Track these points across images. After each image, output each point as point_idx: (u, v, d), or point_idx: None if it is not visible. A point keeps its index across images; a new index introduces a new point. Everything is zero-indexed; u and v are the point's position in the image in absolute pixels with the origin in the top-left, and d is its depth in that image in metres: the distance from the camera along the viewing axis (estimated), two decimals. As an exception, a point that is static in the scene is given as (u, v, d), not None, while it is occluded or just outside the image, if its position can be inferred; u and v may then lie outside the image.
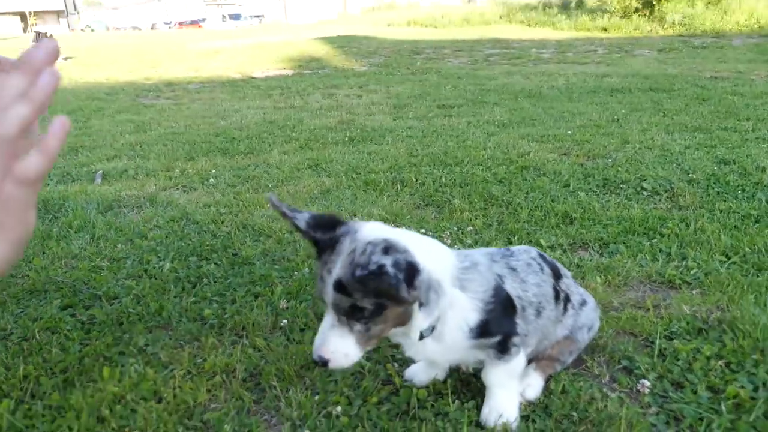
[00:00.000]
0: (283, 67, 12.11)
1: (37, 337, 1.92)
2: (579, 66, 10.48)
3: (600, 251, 2.57)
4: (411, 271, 1.22)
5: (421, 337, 1.39)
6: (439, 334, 1.40)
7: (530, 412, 1.54)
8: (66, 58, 14.70)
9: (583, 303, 1.70)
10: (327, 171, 3.99)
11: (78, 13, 51.08)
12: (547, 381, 1.65)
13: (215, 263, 2.49)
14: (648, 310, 2.02)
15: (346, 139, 5.07)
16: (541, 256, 1.64)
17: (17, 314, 2.09)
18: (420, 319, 1.31)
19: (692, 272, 2.30)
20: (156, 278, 2.34)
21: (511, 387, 1.52)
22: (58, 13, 47.37)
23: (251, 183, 3.74)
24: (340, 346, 1.28)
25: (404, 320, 1.33)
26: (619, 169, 3.71)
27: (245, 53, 14.83)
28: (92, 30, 44.06)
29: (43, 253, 2.63)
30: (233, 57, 14.11)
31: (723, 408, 1.50)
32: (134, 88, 9.50)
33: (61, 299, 2.18)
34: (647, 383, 1.62)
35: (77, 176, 4.05)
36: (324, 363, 1.29)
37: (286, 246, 2.67)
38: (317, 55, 14.07)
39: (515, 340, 1.45)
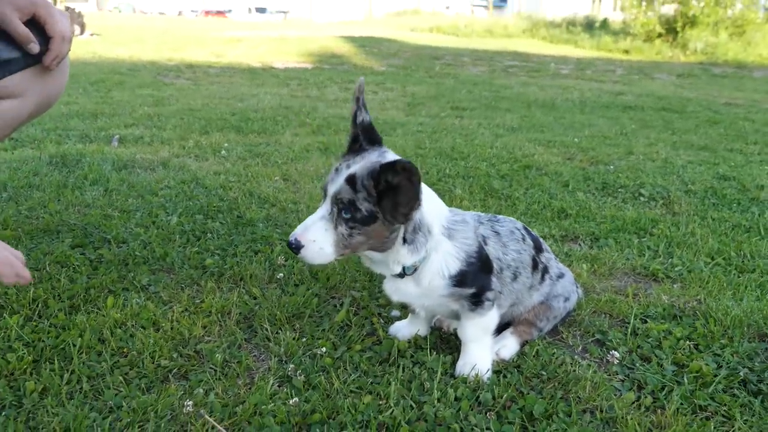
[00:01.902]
0: (304, 61, 12.26)
1: (48, 268, 2.03)
2: (596, 83, 10.55)
3: (590, 244, 2.65)
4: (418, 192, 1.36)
5: (403, 274, 1.50)
6: (419, 277, 1.51)
7: (503, 368, 1.63)
8: (92, 34, 14.93)
9: (561, 275, 1.79)
10: (335, 154, 4.10)
11: (107, -7, 51.76)
12: (523, 346, 1.74)
13: (220, 222, 2.59)
14: (627, 296, 2.11)
15: (358, 128, 5.17)
16: (525, 228, 1.75)
17: (30, 248, 2.21)
18: (403, 255, 1.43)
19: (676, 269, 2.39)
20: (163, 229, 2.45)
21: (485, 343, 1.61)
22: (88, -7, 47.87)
23: (261, 158, 3.86)
24: (320, 238, 1.35)
25: (384, 245, 1.43)
26: (620, 175, 3.80)
27: (267, 44, 15.01)
28: (120, 11, 44.58)
29: (58, 200, 2.74)
30: (255, 47, 14.28)
31: (685, 380, 1.59)
32: (156, 67, 9.66)
33: (73, 239, 2.30)
34: (617, 354, 1.71)
35: (95, 138, 4.18)
36: (297, 248, 1.35)
37: (289, 214, 2.77)
38: (338, 53, 14.22)
39: (489, 294, 1.55)
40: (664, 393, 1.55)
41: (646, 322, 1.93)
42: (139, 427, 1.32)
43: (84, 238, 2.32)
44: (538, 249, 1.74)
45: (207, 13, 45.32)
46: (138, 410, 1.37)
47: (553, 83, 10.15)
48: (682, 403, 1.50)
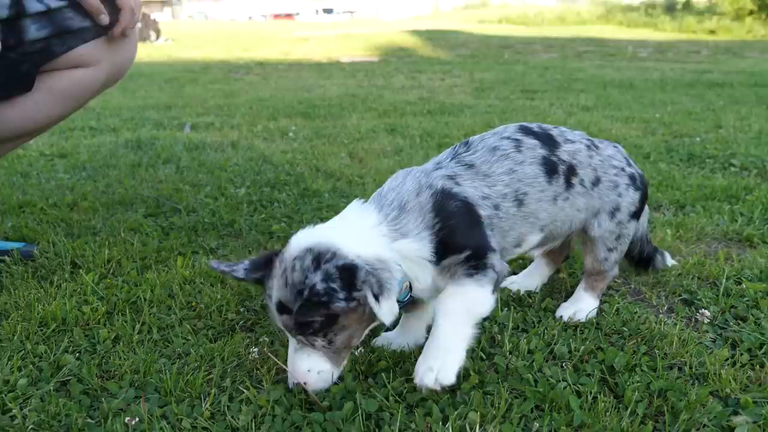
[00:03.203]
0: (370, 55, 12.30)
1: (122, 234, 2.09)
2: (678, 64, 9.99)
3: (674, 211, 2.48)
4: (347, 275, 1.13)
5: (402, 305, 1.28)
6: (418, 290, 1.30)
7: (579, 325, 1.52)
8: (167, 40, 15.59)
9: (596, 181, 1.49)
10: (402, 134, 4.05)
11: (182, 3, 54.15)
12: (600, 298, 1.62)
13: (287, 194, 2.60)
14: (718, 259, 1.94)
15: (425, 111, 5.11)
16: (522, 128, 1.44)
17: (106, 218, 2.28)
18: (384, 308, 1.15)
19: (774, 234, 2.18)
20: (231, 199, 2.49)
21: (461, 334, 1.24)
22: (163, 3, 50.26)
23: (328, 138, 3.86)
24: (310, 366, 1.20)
25: (369, 319, 1.21)
26: (707, 146, 3.54)
27: (334, 41, 15.18)
28: (193, 18, 46.50)
29: (133, 176, 2.84)
30: (322, 44, 14.47)
31: (788, 338, 1.43)
32: (227, 65, 9.96)
33: (146, 209, 2.37)
34: (707, 313, 1.57)
35: (168, 125, 4.33)
36: (303, 388, 1.21)
37: (355, 187, 2.74)
38: (405, 46, 14.18)
39: (490, 256, 1.26)
40: (762, 351, 1.40)
41: (740, 283, 1.76)
42: (205, 372, 1.32)
43: (156, 208, 2.38)
44: (551, 145, 1.42)
45: (276, 16, 46.49)
46: (205, 356, 1.37)
47: (630, 65, 9.70)
48: (785, 362, 1.35)
